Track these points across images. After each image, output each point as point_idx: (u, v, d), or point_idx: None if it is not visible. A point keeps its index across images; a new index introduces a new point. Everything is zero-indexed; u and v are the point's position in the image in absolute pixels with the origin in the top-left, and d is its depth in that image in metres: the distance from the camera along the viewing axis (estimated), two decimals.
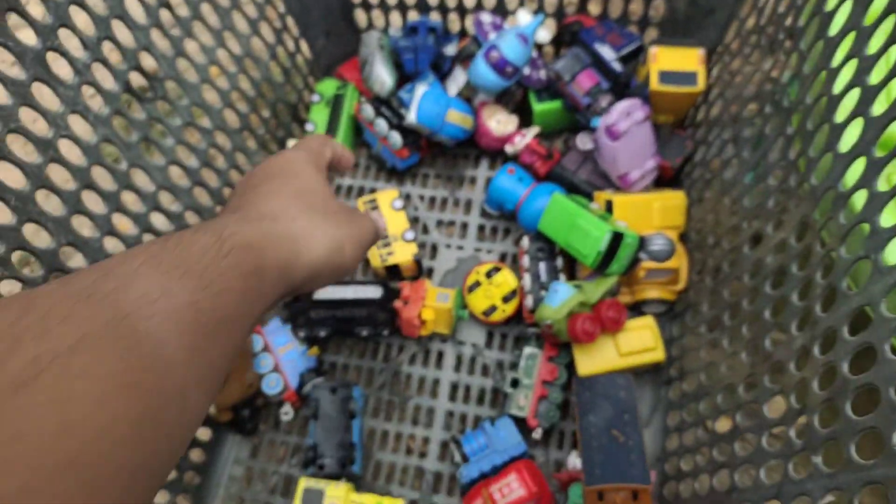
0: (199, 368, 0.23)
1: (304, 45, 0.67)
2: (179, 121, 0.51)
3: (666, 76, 0.55)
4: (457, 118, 0.60)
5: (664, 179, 0.59)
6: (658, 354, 0.52)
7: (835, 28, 0.36)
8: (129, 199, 0.46)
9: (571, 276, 0.56)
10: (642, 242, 0.51)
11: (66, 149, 0.40)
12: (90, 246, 0.42)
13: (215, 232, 0.27)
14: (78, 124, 0.41)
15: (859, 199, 0.31)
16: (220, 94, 0.55)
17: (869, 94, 0.31)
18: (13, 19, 0.36)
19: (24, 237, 0.37)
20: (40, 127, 0.39)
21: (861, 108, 0.32)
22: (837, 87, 0.35)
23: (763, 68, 0.47)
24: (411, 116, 0.58)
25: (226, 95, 0.55)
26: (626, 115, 0.53)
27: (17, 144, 0.38)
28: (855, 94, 0.32)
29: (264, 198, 0.32)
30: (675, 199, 0.54)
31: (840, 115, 0.34)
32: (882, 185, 0.29)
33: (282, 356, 0.55)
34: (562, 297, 0.50)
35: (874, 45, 0.32)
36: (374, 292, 0.55)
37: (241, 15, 0.57)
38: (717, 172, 0.51)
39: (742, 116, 0.48)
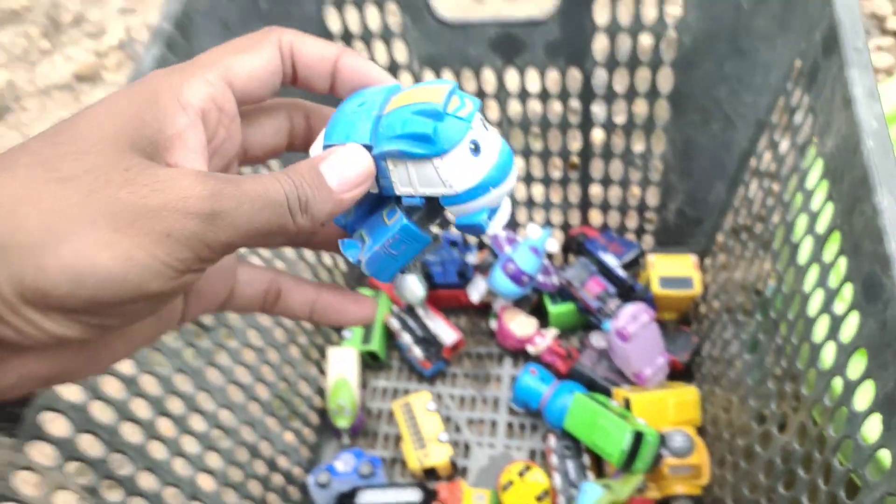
0: None
1: (339, 259, 0.75)
2: (236, 343, 0.57)
3: (665, 281, 0.61)
4: None
5: (676, 373, 0.63)
6: None
7: (802, 258, 0.42)
8: (194, 421, 0.51)
9: (600, 472, 0.59)
10: (663, 439, 0.54)
11: (146, 383, 0.46)
12: (161, 468, 0.46)
13: None
14: (156, 358, 0.47)
15: (842, 416, 0.35)
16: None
17: (836, 322, 0.36)
18: None
19: (110, 467, 0.42)
20: (125, 367, 0.45)
21: (831, 334, 0.37)
22: (811, 310, 0.40)
23: (748, 277, 0.53)
24: None
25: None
26: (633, 318, 0.58)
27: (109, 386, 0.43)
28: (825, 320, 0.38)
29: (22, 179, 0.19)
30: (688, 395, 0.58)
31: (816, 336, 0.39)
32: (858, 405, 0.34)
33: None
34: (592, 499, 0.53)
35: (834, 280, 0.37)
36: (413, 496, 0.58)
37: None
38: (724, 370, 0.55)
39: (738, 319, 0.54)
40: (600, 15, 0.53)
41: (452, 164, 0.22)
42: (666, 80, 0.56)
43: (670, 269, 0.61)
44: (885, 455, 0.31)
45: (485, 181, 0.22)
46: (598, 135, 0.62)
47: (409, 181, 0.22)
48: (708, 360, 0.60)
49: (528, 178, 0.68)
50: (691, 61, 0.55)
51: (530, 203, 0.69)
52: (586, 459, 0.58)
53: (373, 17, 0.57)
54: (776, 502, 0.43)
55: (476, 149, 0.22)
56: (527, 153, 0.66)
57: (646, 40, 0.54)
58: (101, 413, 0.42)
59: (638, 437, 0.53)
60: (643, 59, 0.55)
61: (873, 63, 0.39)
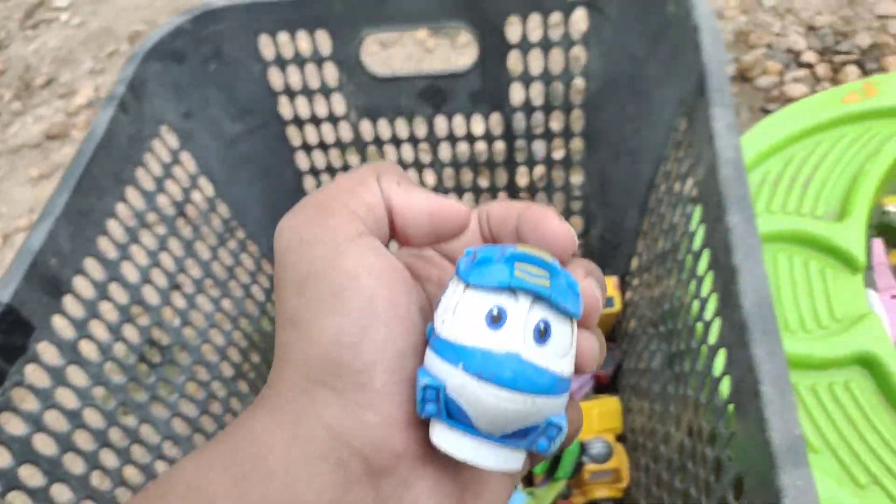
0: None
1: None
2: (182, 377, 0.60)
3: None
4: None
5: (602, 387, 0.68)
6: None
7: (685, 274, 0.48)
8: (137, 452, 0.54)
9: (528, 482, 0.63)
10: (583, 448, 0.59)
11: (90, 416, 0.49)
12: (103, 498, 0.49)
13: None
14: (100, 392, 0.51)
15: (710, 410, 0.40)
16: (217, 349, 0.65)
17: (707, 328, 0.42)
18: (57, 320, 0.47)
19: (52, 497, 0.45)
20: (69, 399, 0.48)
21: (703, 339, 0.42)
22: (692, 319, 0.45)
23: (654, 294, 0.58)
24: None
25: (222, 350, 0.66)
26: None
27: (50, 417, 0.47)
28: (700, 328, 0.43)
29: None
30: (610, 405, 0.63)
31: (696, 341, 0.44)
32: (721, 399, 0.39)
33: None
34: None
35: (705, 291, 0.43)
36: None
37: (236, 283, 0.69)
38: (639, 380, 0.60)
39: (648, 332, 0.59)
40: (514, 66, 0.59)
41: None
42: (578, 120, 0.63)
43: None
44: (738, 442, 0.36)
45: None
46: (522, 171, 0.68)
47: None
48: (628, 372, 0.65)
49: None
50: (598, 103, 0.61)
51: None
52: None
53: (312, 75, 0.62)
54: (674, 496, 0.47)
55: None
56: (461, 190, 0.71)
57: (557, 87, 0.60)
58: (44, 446, 0.45)
59: None
60: (556, 103, 0.61)
61: (789, 93, 0.45)
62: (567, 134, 0.63)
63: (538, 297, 0.20)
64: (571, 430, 0.23)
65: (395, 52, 1.24)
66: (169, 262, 0.59)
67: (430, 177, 0.68)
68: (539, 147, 0.65)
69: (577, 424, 0.24)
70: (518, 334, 0.20)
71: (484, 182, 0.70)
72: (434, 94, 0.62)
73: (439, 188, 0.70)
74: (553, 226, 0.22)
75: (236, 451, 0.20)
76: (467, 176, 0.71)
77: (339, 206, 0.22)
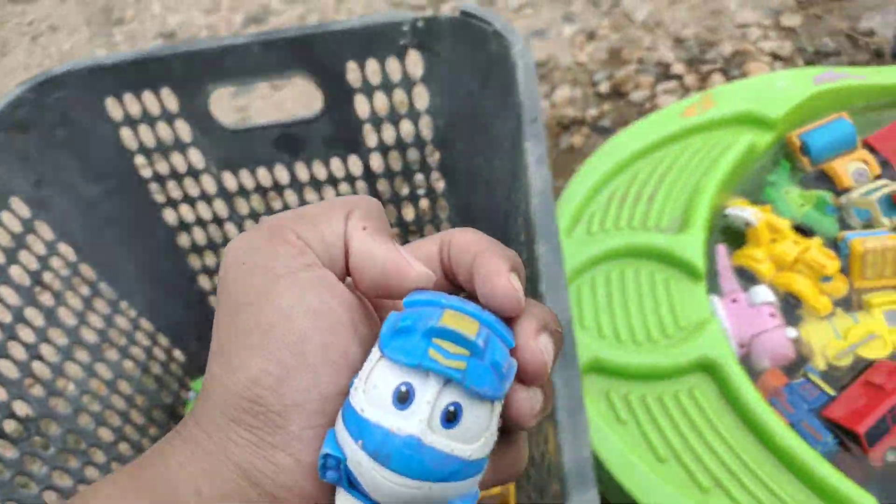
0: None
1: (177, 352, 0.78)
2: (53, 449, 0.59)
3: None
4: None
5: None
6: None
7: None
8: None
9: None
10: None
11: None
12: None
13: None
14: None
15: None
16: (93, 416, 0.64)
17: None
18: None
19: None
20: None
21: None
22: None
23: None
24: None
25: (98, 416, 0.64)
26: None
27: None
28: None
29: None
30: None
31: None
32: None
33: None
34: None
35: None
36: None
37: (111, 345, 0.68)
38: None
39: None
40: (361, 109, 0.61)
41: None
42: (433, 156, 0.64)
43: None
44: (552, 466, 0.37)
45: None
46: (390, 208, 0.69)
47: None
48: None
49: None
50: (448, 138, 0.63)
51: None
52: None
53: (164, 132, 0.62)
54: None
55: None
56: None
57: (407, 126, 0.62)
58: None
59: None
60: (409, 141, 0.63)
61: (662, 105, 0.47)
62: (425, 169, 0.65)
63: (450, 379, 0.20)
64: (503, 476, 0.22)
65: (286, 94, 1.24)
66: (27, 334, 0.58)
67: None
68: (401, 183, 0.67)
69: (511, 471, 0.23)
70: (423, 417, 0.19)
71: None
72: (288, 141, 0.63)
73: None
74: (500, 284, 0.21)
75: (149, 482, 0.21)
76: None
77: (293, 234, 0.22)
